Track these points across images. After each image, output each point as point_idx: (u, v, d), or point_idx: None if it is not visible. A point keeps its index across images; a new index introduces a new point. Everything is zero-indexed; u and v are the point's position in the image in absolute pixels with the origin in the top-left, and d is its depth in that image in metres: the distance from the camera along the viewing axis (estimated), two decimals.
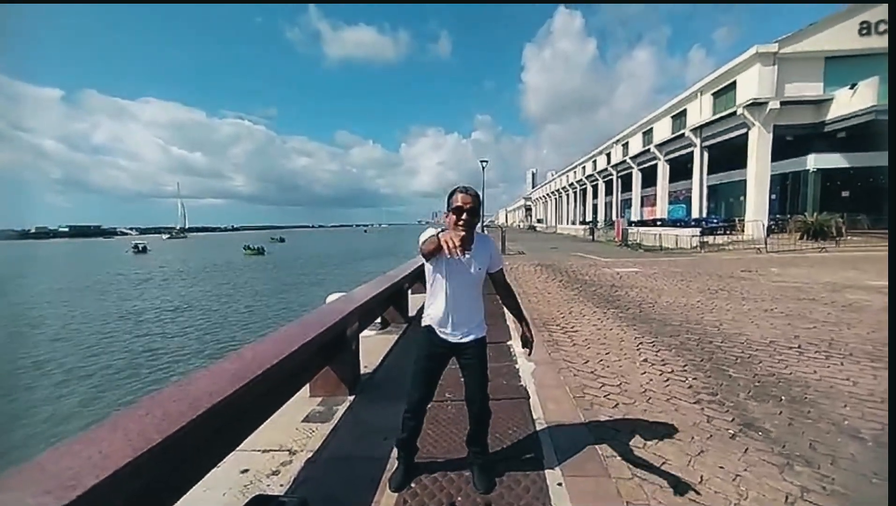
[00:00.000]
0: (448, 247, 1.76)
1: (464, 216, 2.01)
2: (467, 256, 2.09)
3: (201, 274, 34.33)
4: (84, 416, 7.84)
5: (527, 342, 2.32)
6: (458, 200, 2.02)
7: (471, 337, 2.19)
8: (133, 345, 12.86)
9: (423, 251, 1.96)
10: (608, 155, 41.78)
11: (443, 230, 2.06)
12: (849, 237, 16.64)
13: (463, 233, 1.94)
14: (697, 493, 2.18)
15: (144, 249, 66.65)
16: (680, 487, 2.22)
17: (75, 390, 9.30)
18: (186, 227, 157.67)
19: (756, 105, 19.31)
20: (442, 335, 2.19)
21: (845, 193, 20.37)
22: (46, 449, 1.34)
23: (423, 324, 2.27)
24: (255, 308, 19.22)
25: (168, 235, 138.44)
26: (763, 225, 17.67)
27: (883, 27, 19.00)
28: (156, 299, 21.60)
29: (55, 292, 25.14)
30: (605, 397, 3.44)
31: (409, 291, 6.78)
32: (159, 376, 9.86)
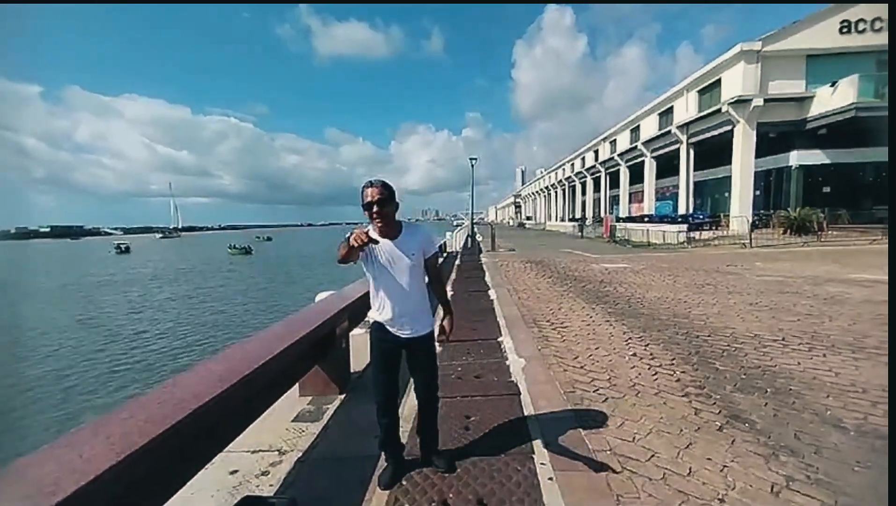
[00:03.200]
0: (358, 242, 1.81)
1: (374, 209, 2.02)
2: (393, 246, 2.11)
3: (185, 275, 33.84)
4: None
5: (443, 331, 2.33)
6: (367, 195, 2.01)
7: (417, 333, 2.21)
8: (108, 353, 12.62)
9: (338, 259, 1.97)
10: (596, 152, 42.10)
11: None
12: (830, 232, 17.01)
13: (368, 231, 1.92)
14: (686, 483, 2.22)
15: (127, 250, 65.10)
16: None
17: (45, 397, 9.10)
18: (180, 226, 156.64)
19: (740, 102, 19.62)
20: (390, 330, 2.20)
21: (826, 189, 20.80)
22: (25, 454, 1.30)
23: (371, 321, 2.28)
24: (242, 309, 19.02)
25: (161, 235, 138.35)
26: (747, 220, 17.96)
27: (862, 26, 19.42)
28: (133, 304, 21.22)
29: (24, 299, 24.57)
30: (594, 391, 3.47)
31: None
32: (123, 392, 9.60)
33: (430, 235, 2.26)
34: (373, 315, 2.26)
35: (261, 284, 27.26)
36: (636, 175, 32.48)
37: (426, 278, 2.29)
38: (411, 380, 2.39)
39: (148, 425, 1.46)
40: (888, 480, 1.53)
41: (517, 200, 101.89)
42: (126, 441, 1.36)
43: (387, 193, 2.04)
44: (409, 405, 3.18)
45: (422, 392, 2.32)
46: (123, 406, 1.65)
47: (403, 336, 2.19)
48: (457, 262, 14.12)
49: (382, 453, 2.41)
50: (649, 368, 3.95)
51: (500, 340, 4.92)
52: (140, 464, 1.35)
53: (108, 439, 1.37)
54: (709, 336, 4.91)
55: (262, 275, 33.07)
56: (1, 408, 8.46)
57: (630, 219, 28.79)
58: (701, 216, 22.91)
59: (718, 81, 22.76)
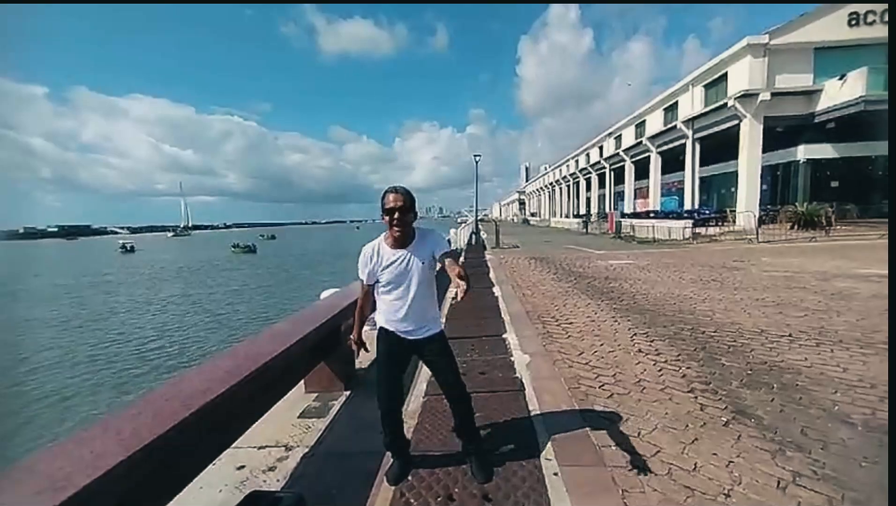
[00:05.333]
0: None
1: (395, 216, 2.04)
2: (405, 255, 2.12)
3: (189, 275, 34.08)
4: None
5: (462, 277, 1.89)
6: (389, 200, 2.04)
7: (427, 333, 2.21)
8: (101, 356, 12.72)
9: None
10: (601, 148, 41.83)
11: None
12: (838, 227, 16.80)
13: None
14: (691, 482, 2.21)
15: (132, 249, 65.51)
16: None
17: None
18: (190, 225, 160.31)
19: (747, 96, 19.37)
20: (398, 334, 2.21)
21: (834, 184, 20.55)
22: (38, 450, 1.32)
23: (377, 325, 2.28)
24: (245, 308, 19.14)
25: (172, 233, 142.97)
26: (754, 216, 17.79)
27: (871, 17, 19.13)
28: (133, 303, 21.40)
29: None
30: (599, 387, 3.47)
31: None
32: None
33: (440, 238, 2.26)
34: (379, 320, 2.26)
35: (264, 283, 27.40)
36: (641, 171, 32.24)
37: (435, 283, 2.28)
38: (414, 380, 2.39)
39: (156, 422, 1.48)
40: (888, 475, 1.52)
41: (521, 196, 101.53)
42: (135, 437, 1.38)
43: (408, 201, 2.07)
44: (412, 403, 3.20)
45: (449, 391, 2.27)
46: (132, 403, 1.68)
47: (411, 339, 2.20)
48: (461, 259, 14.12)
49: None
50: (654, 364, 3.93)
51: (504, 336, 4.92)
52: (149, 459, 1.37)
53: (118, 436, 1.39)
54: (715, 332, 4.89)
55: (266, 273, 33.23)
56: (10, 408, 8.58)
57: (635, 215, 28.60)
58: (707, 211, 22.73)
59: (725, 76, 22.51)
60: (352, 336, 2.39)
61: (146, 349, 12.43)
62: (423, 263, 2.14)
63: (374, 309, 2.36)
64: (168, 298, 21.92)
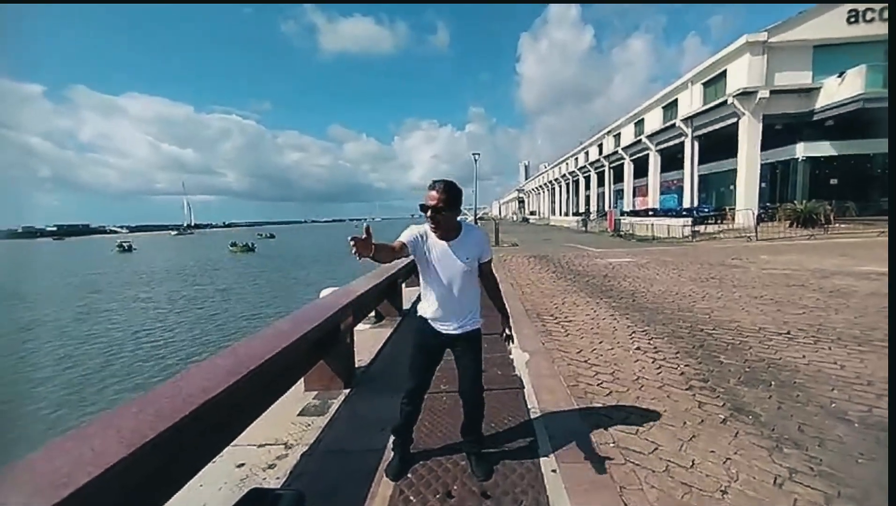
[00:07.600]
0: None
1: (429, 214, 2.01)
2: (447, 249, 2.11)
3: (190, 275, 34.06)
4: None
5: (507, 338, 2.35)
6: (428, 197, 2.01)
7: (464, 330, 2.21)
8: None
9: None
10: (600, 146, 41.85)
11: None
12: (837, 224, 16.84)
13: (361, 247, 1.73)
14: (690, 475, 2.23)
15: (130, 249, 65.14)
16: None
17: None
18: (193, 223, 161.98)
19: (746, 94, 19.38)
20: (435, 327, 2.22)
21: (833, 181, 20.58)
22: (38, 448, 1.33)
23: (418, 314, 2.31)
24: (244, 306, 19.14)
25: (176, 232, 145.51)
26: (753, 213, 17.82)
27: (871, 15, 19.14)
28: (131, 304, 21.40)
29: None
30: (598, 385, 3.48)
31: (403, 285, 6.78)
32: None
33: (486, 240, 2.24)
34: (421, 308, 2.28)
35: (263, 281, 27.41)
36: (640, 169, 32.27)
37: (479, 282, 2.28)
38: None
39: (157, 419, 1.49)
40: (888, 472, 1.53)
41: (521, 194, 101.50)
42: (136, 435, 1.38)
43: (450, 198, 2.00)
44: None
45: (467, 389, 2.27)
46: (133, 401, 1.68)
47: (448, 333, 2.20)
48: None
49: (389, 446, 2.43)
50: (653, 362, 3.95)
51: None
52: (150, 457, 1.37)
53: (119, 433, 1.40)
54: (713, 330, 4.90)
55: (266, 272, 33.23)
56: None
57: (634, 213, 28.63)
58: (706, 210, 22.75)
59: (724, 73, 22.53)
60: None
61: (143, 352, 12.44)
62: (464, 259, 2.11)
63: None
64: (168, 296, 21.92)
